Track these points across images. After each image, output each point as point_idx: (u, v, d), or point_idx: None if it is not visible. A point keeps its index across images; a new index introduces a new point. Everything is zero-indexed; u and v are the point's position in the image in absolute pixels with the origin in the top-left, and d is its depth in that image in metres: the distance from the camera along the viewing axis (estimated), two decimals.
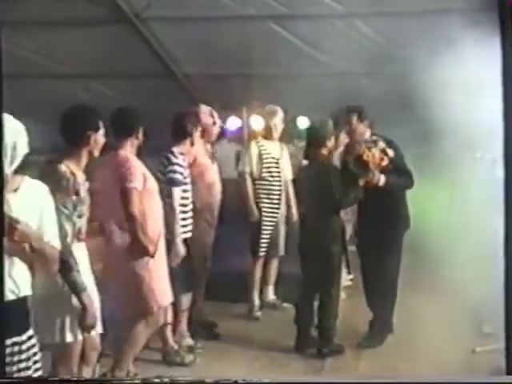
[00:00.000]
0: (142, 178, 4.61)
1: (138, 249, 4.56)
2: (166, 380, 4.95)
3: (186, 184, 5.36)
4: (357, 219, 6.18)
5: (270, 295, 6.72)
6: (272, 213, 6.45)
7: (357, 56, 8.10)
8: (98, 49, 8.24)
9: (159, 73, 9.00)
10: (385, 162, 5.36)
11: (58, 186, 3.83)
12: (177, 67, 9.03)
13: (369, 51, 7.96)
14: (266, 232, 6.38)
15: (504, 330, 3.65)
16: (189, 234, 5.49)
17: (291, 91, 8.25)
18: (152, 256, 4.61)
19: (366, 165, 5.29)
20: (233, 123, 8.58)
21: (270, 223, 6.44)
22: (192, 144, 5.47)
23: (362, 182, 5.40)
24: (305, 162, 5.69)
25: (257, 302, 6.50)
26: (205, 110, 5.80)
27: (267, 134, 6.42)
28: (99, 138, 4.13)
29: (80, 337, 3.96)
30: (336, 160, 6.32)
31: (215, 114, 5.93)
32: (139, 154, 4.81)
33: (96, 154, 4.17)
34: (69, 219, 3.92)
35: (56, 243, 3.12)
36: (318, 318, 5.57)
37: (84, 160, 4.11)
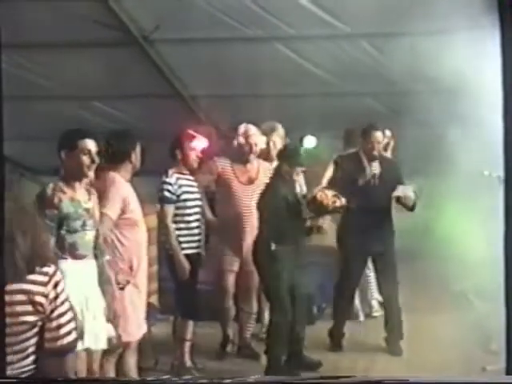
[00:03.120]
0: (120, 205, 4.56)
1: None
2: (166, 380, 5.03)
3: (178, 202, 5.37)
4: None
5: None
6: None
7: (362, 76, 8.16)
8: (105, 70, 8.32)
9: (166, 94, 9.06)
10: (337, 204, 5.45)
11: (41, 199, 3.91)
12: (184, 88, 9.09)
13: (374, 71, 8.02)
14: None
15: (504, 329, 3.61)
16: (195, 250, 5.48)
17: (297, 111, 8.32)
18: (122, 288, 4.55)
19: (320, 204, 5.37)
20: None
21: None
22: (185, 165, 5.48)
23: (308, 223, 5.48)
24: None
25: None
26: (248, 130, 5.79)
27: (265, 153, 6.25)
28: (85, 159, 4.16)
29: None
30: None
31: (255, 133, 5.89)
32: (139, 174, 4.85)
33: (87, 173, 4.23)
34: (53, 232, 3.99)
35: None
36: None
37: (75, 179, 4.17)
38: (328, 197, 5.36)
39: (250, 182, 5.81)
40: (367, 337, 6.52)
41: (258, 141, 5.95)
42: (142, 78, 8.61)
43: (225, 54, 8.07)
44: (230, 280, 5.81)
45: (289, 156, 5.40)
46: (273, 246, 5.24)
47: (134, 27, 7.85)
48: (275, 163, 5.95)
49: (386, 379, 3.50)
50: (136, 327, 4.66)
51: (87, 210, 4.22)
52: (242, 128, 5.84)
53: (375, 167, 6.08)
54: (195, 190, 5.51)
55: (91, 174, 4.22)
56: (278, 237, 5.22)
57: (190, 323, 5.54)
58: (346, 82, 8.37)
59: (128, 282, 4.59)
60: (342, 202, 5.41)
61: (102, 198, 4.49)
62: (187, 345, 5.57)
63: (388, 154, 7.20)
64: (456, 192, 7.28)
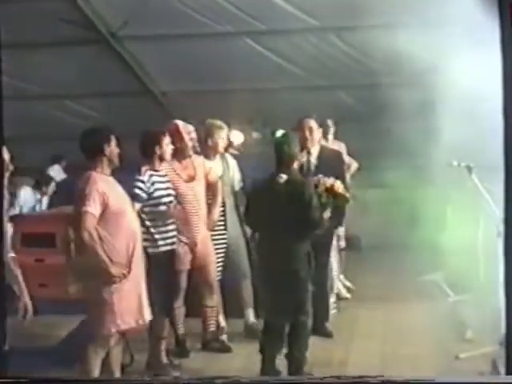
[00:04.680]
0: (100, 201, 4.56)
1: (103, 272, 4.55)
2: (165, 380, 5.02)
3: (150, 199, 5.36)
4: None
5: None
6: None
7: (332, 69, 8.22)
8: (74, 69, 8.28)
9: (136, 91, 9.05)
10: (348, 195, 5.44)
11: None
12: (154, 85, 9.08)
13: (343, 65, 8.08)
14: None
15: (505, 330, 3.66)
16: (170, 247, 5.47)
17: (268, 105, 8.36)
18: (119, 280, 4.57)
19: (339, 196, 5.32)
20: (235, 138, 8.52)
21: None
22: (161, 161, 5.47)
23: (329, 213, 5.37)
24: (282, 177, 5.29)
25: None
26: (180, 127, 5.76)
27: (210, 150, 6.15)
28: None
29: None
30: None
31: (190, 130, 5.87)
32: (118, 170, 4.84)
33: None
34: None
35: None
36: (288, 348, 5.29)
37: None
38: (342, 188, 5.34)
39: (191, 178, 5.81)
40: None
41: (194, 137, 5.93)
42: (112, 76, 8.58)
43: (195, 50, 8.07)
44: (183, 279, 5.80)
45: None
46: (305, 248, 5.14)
47: (101, 24, 7.81)
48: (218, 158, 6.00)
49: (385, 379, 3.53)
50: (129, 316, 4.70)
51: None
52: (176, 125, 5.80)
53: (304, 156, 5.89)
54: (169, 185, 5.49)
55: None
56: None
57: (167, 321, 5.53)
58: (317, 76, 8.42)
59: (124, 276, 4.60)
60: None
61: (81, 196, 4.51)
62: (163, 342, 5.56)
63: (331, 144, 7.17)
64: (426, 182, 7.37)
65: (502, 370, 4.60)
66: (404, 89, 6.43)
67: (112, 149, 4.69)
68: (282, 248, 4.94)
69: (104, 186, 4.57)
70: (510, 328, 3.67)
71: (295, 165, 5.03)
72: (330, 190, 5.18)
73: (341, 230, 7.16)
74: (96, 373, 4.61)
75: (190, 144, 5.68)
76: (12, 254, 4.08)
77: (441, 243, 7.20)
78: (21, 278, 4.10)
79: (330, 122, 7.24)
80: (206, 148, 6.00)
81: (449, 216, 7.45)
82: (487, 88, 4.30)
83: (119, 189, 4.73)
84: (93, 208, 4.47)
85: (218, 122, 6.11)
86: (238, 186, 6.25)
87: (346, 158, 7.32)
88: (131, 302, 4.64)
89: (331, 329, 5.97)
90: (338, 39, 7.83)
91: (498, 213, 4.91)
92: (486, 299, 5.61)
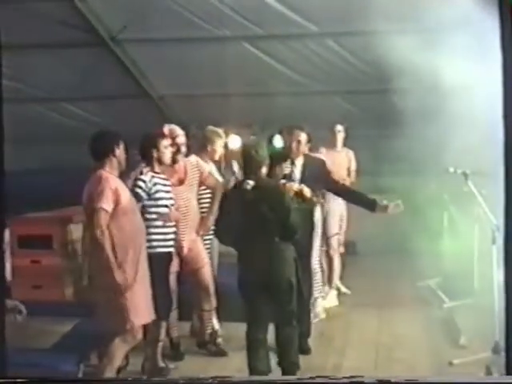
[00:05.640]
0: (113, 198, 4.65)
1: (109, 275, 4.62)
2: (165, 380, 5.02)
3: (150, 200, 5.39)
4: None
5: None
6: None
7: (330, 75, 8.23)
8: (73, 72, 8.29)
9: (134, 94, 9.05)
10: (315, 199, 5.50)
11: None
12: (152, 88, 9.09)
13: (341, 70, 8.09)
14: None
15: (505, 330, 3.67)
16: (168, 249, 5.48)
17: (266, 110, 8.37)
18: (123, 287, 4.64)
19: (308, 200, 5.35)
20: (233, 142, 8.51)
21: None
22: (160, 164, 5.50)
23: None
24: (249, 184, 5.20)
25: None
26: (174, 131, 5.78)
27: (207, 157, 6.16)
28: None
29: None
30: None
31: (178, 134, 5.88)
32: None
33: None
34: None
35: None
36: (280, 356, 5.23)
37: None
38: (309, 191, 5.38)
39: (181, 182, 5.82)
40: None
41: (184, 141, 5.96)
42: (110, 79, 8.59)
43: (193, 54, 8.09)
44: (172, 281, 5.81)
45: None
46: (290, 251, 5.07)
47: (101, 28, 7.82)
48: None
49: (385, 379, 3.53)
50: (141, 313, 4.76)
51: None
52: (166, 129, 5.82)
53: (288, 166, 5.85)
54: (169, 188, 5.51)
55: None
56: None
57: (164, 324, 5.54)
58: (315, 81, 8.44)
59: (127, 283, 4.65)
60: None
61: (94, 194, 4.60)
62: (160, 345, 5.57)
63: (339, 151, 7.19)
64: (423, 189, 7.39)
65: (496, 376, 4.63)
66: (402, 95, 6.44)
67: (121, 151, 4.80)
68: (262, 254, 4.88)
69: (115, 183, 4.67)
70: (510, 330, 3.66)
71: (263, 170, 4.95)
72: (299, 195, 5.20)
73: (340, 236, 7.19)
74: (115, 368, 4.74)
75: (182, 148, 5.70)
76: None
77: (436, 249, 7.24)
78: None
79: (340, 128, 7.19)
80: (203, 154, 6.03)
81: (445, 222, 7.48)
82: (485, 94, 4.33)
83: (126, 188, 4.82)
84: (106, 205, 4.57)
85: (219, 131, 6.15)
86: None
87: (353, 166, 7.32)
88: (141, 298, 4.71)
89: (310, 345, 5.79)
90: (335, 44, 7.84)
91: (494, 219, 4.94)
92: (481, 305, 5.64)
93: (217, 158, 6.14)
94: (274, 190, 4.97)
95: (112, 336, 4.72)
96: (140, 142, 5.44)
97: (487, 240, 5.00)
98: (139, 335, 4.81)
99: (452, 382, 4.03)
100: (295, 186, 5.36)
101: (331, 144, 7.15)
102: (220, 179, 6.13)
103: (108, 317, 4.67)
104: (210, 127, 6.15)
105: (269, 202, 4.80)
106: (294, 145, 5.71)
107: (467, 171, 5.38)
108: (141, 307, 4.72)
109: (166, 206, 5.35)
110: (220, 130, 6.16)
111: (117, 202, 4.64)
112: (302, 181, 5.58)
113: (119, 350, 4.76)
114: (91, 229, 4.61)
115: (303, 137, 5.74)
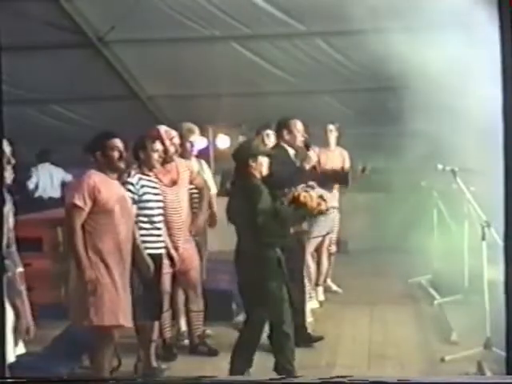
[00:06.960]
0: (89, 196, 4.62)
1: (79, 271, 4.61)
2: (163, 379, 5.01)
3: (139, 202, 5.37)
4: None
5: None
6: None
7: (319, 74, 8.25)
8: (62, 73, 8.25)
9: (123, 95, 9.03)
10: (323, 207, 5.13)
11: None
12: (140, 89, 9.08)
13: (330, 69, 8.11)
14: None
15: (505, 331, 3.68)
16: (158, 251, 5.47)
17: (255, 110, 8.36)
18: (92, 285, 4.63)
19: (304, 206, 5.08)
20: (198, 143, 8.51)
21: None
22: (148, 165, 5.49)
23: (292, 230, 5.23)
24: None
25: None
26: (161, 132, 5.75)
27: (183, 153, 6.15)
28: None
29: None
30: None
31: (173, 135, 5.86)
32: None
33: None
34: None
35: None
36: (275, 360, 5.19)
37: None
38: (313, 199, 5.11)
39: (173, 183, 5.80)
40: None
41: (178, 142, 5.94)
42: (98, 80, 8.57)
43: (182, 54, 8.08)
44: (166, 282, 5.80)
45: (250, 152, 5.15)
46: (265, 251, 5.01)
47: (88, 29, 7.81)
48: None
49: (384, 379, 3.53)
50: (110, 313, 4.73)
51: None
52: (157, 130, 5.80)
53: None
54: (158, 191, 5.48)
55: None
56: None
57: (157, 324, 5.53)
58: (304, 80, 8.45)
59: (96, 281, 4.62)
60: (326, 205, 5.14)
61: (70, 190, 4.61)
62: (153, 346, 5.56)
63: (333, 150, 7.19)
64: (413, 186, 7.41)
65: (488, 371, 4.66)
66: (391, 93, 6.45)
67: (112, 150, 4.73)
68: (248, 256, 4.80)
69: (97, 181, 4.61)
70: (510, 330, 3.68)
71: (252, 170, 4.92)
72: (296, 200, 5.07)
73: (332, 235, 7.19)
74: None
75: (172, 149, 5.66)
76: (20, 269, 3.82)
77: (427, 246, 7.25)
78: (25, 295, 3.88)
79: (332, 127, 7.15)
80: (182, 150, 6.00)
81: (435, 219, 7.50)
82: (479, 89, 4.35)
83: (116, 189, 4.77)
84: (80, 201, 4.52)
85: (192, 126, 6.12)
86: (212, 189, 6.33)
87: (347, 165, 7.28)
88: (112, 300, 4.67)
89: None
90: (324, 44, 7.86)
91: (483, 216, 4.97)
92: (472, 301, 5.66)
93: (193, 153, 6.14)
94: (256, 188, 4.97)
95: (95, 337, 4.71)
96: (133, 143, 5.42)
97: (477, 236, 5.02)
98: (114, 335, 4.76)
99: (450, 382, 4.04)
100: (296, 191, 5.17)
101: (324, 143, 7.15)
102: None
103: (74, 313, 4.69)
104: (185, 123, 6.12)
105: (251, 201, 4.79)
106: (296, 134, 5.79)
107: (456, 169, 5.42)
108: (106, 307, 4.65)
109: (155, 209, 5.33)
110: (193, 125, 6.12)
111: (95, 200, 4.60)
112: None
113: (100, 350, 4.73)
114: (65, 224, 4.60)
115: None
